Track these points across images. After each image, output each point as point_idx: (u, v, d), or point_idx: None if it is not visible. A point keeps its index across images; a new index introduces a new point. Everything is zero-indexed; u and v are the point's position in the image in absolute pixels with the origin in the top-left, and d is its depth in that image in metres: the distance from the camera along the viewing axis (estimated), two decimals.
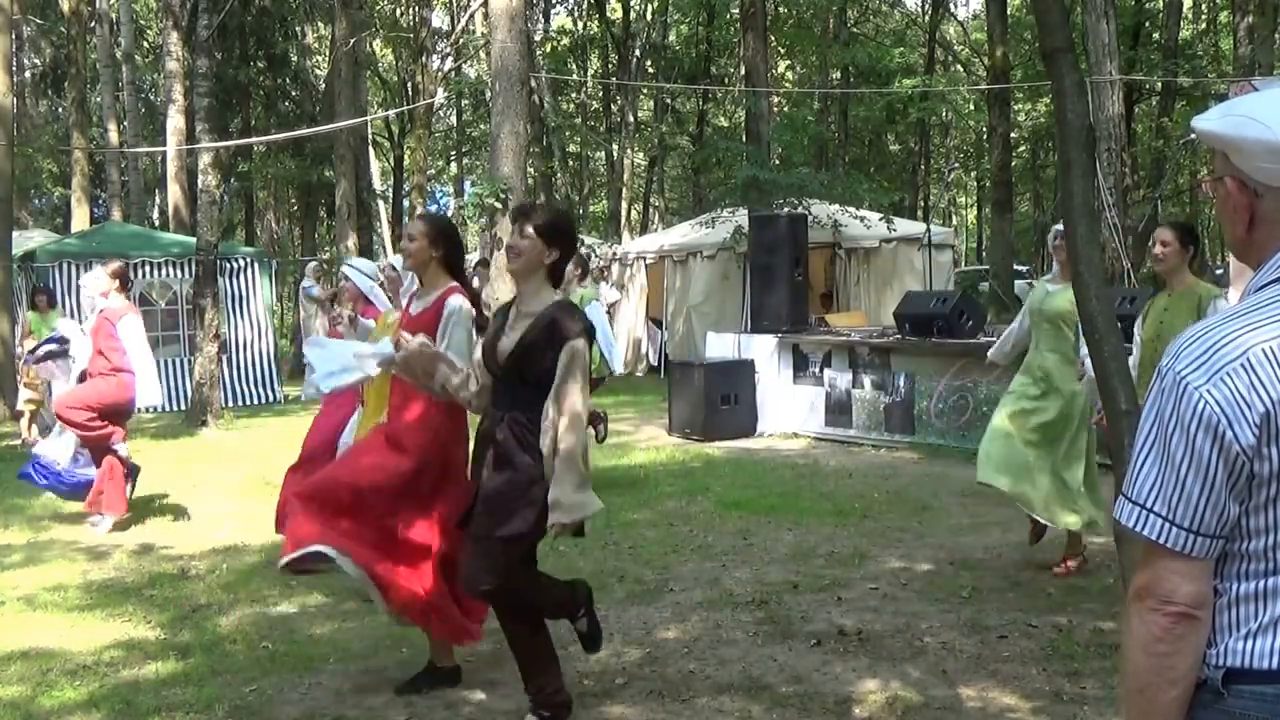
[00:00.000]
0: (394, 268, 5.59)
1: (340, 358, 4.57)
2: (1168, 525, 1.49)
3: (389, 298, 5.89)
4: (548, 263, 3.90)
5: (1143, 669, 1.51)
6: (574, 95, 31.59)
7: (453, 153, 34.85)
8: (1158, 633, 1.49)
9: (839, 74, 28.01)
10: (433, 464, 4.32)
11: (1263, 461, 1.46)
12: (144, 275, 15.40)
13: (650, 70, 28.99)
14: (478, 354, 4.11)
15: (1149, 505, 1.51)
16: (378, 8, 28.79)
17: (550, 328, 3.77)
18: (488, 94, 18.40)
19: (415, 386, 4.13)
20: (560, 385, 3.73)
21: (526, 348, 3.79)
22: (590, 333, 3.86)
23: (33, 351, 7.96)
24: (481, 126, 29.94)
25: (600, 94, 31.04)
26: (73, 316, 14.03)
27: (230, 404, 14.81)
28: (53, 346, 8.35)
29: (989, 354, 6.72)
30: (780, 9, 25.51)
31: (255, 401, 15.75)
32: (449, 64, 25.87)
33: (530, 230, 3.87)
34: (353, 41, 20.08)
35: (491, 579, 3.82)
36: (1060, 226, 6.04)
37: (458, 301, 4.37)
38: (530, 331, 3.80)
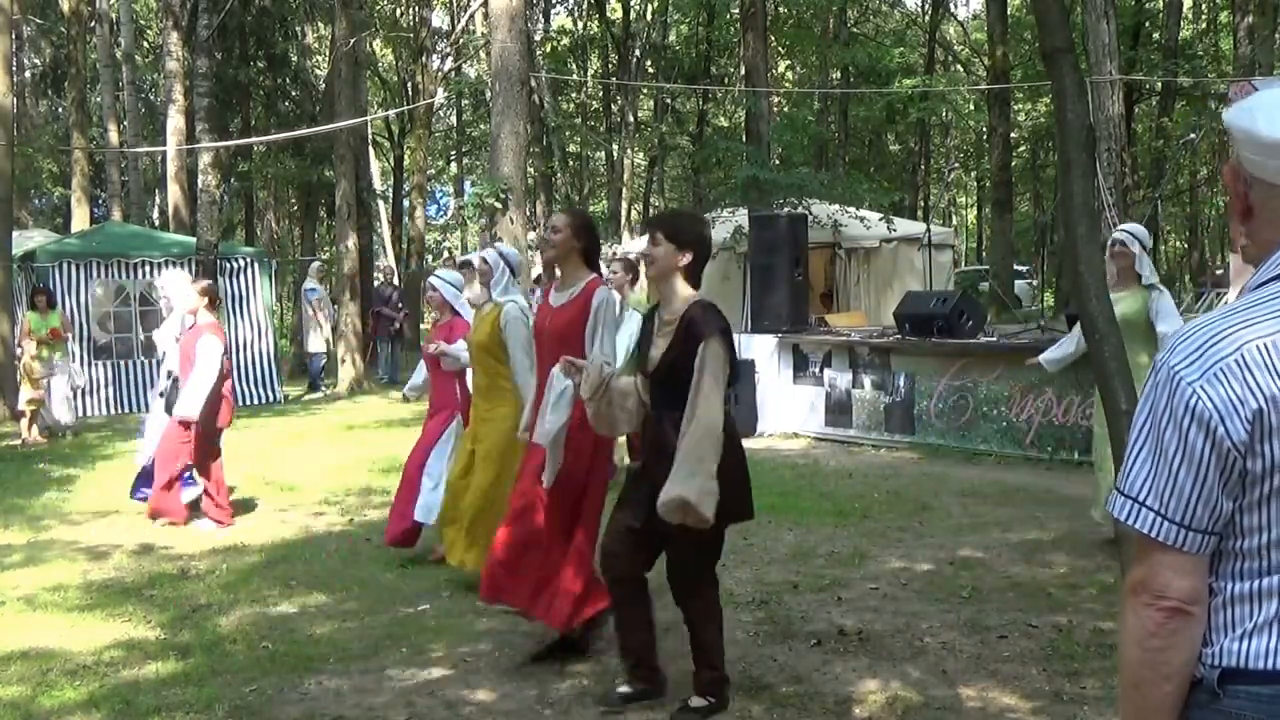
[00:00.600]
0: (486, 260, 5.81)
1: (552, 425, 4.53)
2: (1160, 519, 1.50)
3: (480, 289, 6.06)
4: (681, 266, 4.04)
5: (1137, 664, 1.51)
6: (574, 95, 31.60)
7: (453, 153, 34.86)
8: (1151, 628, 1.49)
9: (839, 74, 28.01)
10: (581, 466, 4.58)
11: (1255, 458, 1.46)
12: (144, 275, 15.40)
13: (650, 70, 28.99)
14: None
15: (1142, 499, 1.51)
16: (378, 8, 28.78)
17: (689, 329, 3.94)
18: (488, 94, 18.39)
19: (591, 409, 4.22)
20: (696, 382, 3.86)
21: (675, 355, 3.96)
22: (728, 330, 4.02)
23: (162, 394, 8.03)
24: (481, 126, 29.94)
25: (600, 94, 31.04)
26: (72, 318, 14.07)
27: None
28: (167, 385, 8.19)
29: (1041, 358, 6.75)
30: (780, 9, 25.50)
31: (255, 401, 15.75)
32: (449, 64, 25.88)
33: (661, 237, 4.04)
34: (353, 41, 20.06)
35: (707, 578, 4.12)
36: (1117, 234, 6.12)
37: (605, 292, 4.60)
38: (675, 337, 3.98)
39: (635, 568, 4.15)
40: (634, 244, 19.62)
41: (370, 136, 27.02)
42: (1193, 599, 1.49)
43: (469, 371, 6.04)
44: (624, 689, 4.25)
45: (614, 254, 8.87)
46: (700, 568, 4.09)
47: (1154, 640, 1.49)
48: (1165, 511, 1.49)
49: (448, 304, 6.48)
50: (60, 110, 30.99)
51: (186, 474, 7.70)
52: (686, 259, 4.03)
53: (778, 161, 18.10)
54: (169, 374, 7.86)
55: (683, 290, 4.06)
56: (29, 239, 18.32)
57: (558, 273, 4.81)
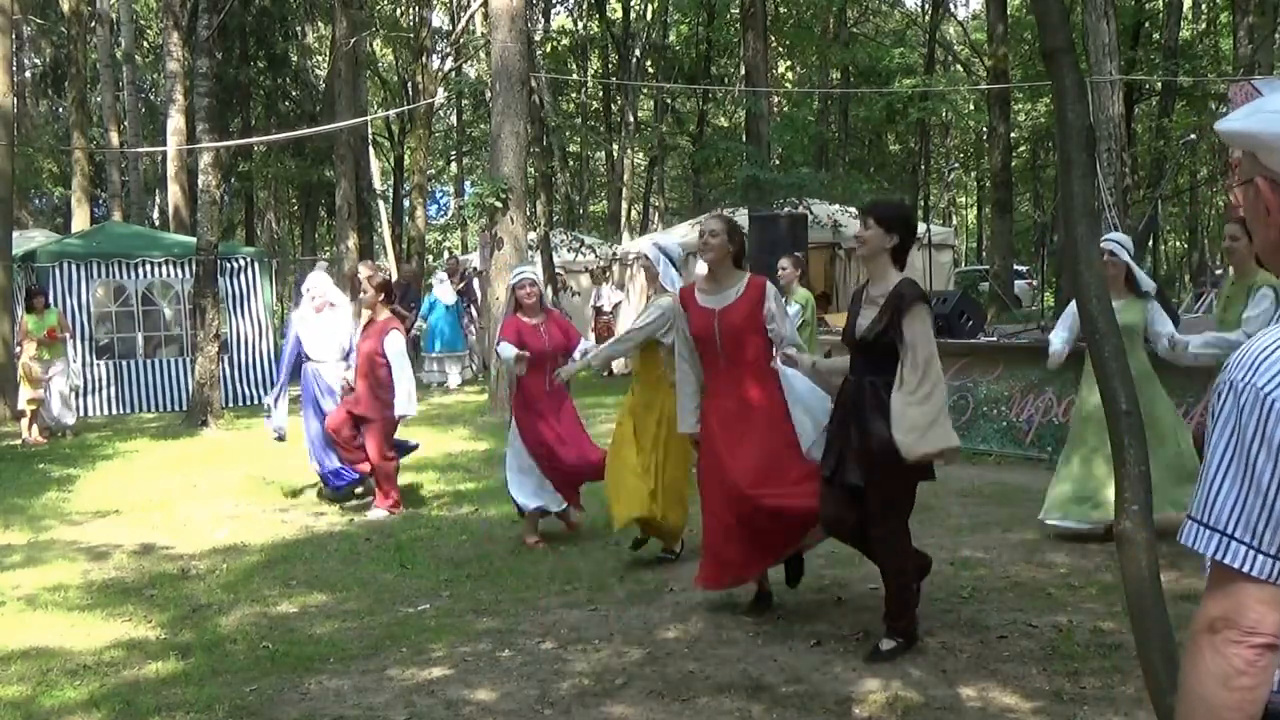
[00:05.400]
0: (648, 256, 6.24)
1: (821, 412, 4.98)
2: (1252, 552, 1.39)
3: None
4: (889, 247, 4.54)
5: (1222, 705, 1.41)
6: (574, 95, 31.58)
7: (453, 153, 34.84)
8: (1241, 666, 1.39)
9: (839, 74, 28.02)
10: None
11: None
12: (144, 275, 15.40)
13: (650, 70, 28.99)
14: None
15: (1229, 531, 1.41)
16: (378, 8, 28.80)
17: (898, 302, 4.44)
18: (488, 94, 18.40)
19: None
20: (912, 341, 4.39)
21: (882, 325, 4.45)
22: (929, 301, 4.60)
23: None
24: (481, 126, 29.94)
25: (600, 94, 31.03)
26: (72, 318, 14.07)
27: (230, 404, 14.82)
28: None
29: (1052, 351, 6.66)
30: (780, 9, 25.52)
31: (255, 401, 15.74)
32: (449, 64, 25.87)
33: (872, 221, 4.54)
34: (353, 41, 20.08)
35: (892, 519, 4.57)
36: (1105, 244, 6.10)
37: (773, 286, 5.15)
38: (883, 309, 4.48)
39: (848, 519, 4.64)
40: (633, 244, 19.62)
41: (370, 136, 27.04)
42: None
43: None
44: (888, 644, 4.61)
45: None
46: (901, 506, 4.59)
47: (1244, 680, 1.39)
48: (1258, 544, 1.39)
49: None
50: (60, 110, 31.03)
51: (346, 467, 8.03)
52: (894, 241, 4.52)
53: (778, 161, 18.11)
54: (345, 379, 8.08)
55: (891, 269, 4.56)
56: (29, 239, 18.33)
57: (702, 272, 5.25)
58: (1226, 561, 1.41)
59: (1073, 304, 6.39)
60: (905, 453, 4.31)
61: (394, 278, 19.89)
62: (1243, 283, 5.40)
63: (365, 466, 7.86)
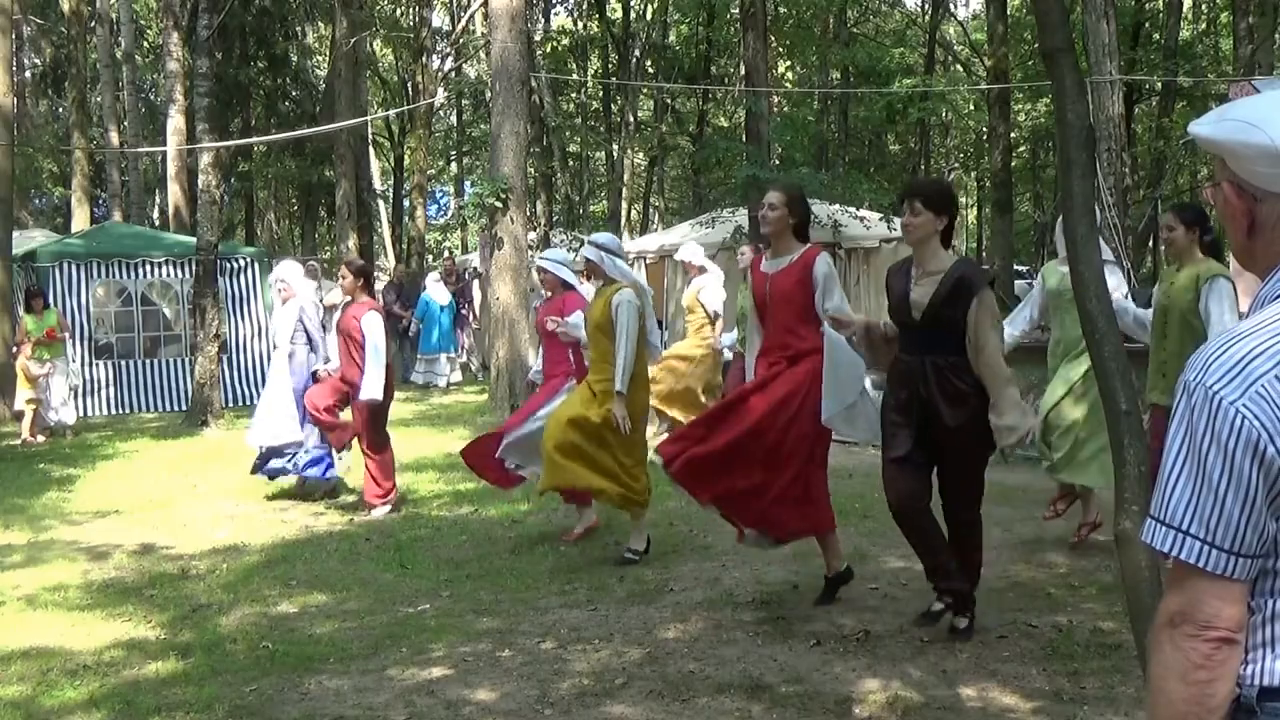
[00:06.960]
0: (589, 259, 6.43)
1: (850, 390, 5.11)
2: (1206, 548, 1.43)
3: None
4: (940, 230, 4.64)
5: (1181, 699, 1.43)
6: (574, 95, 31.58)
7: (453, 153, 34.86)
8: (1198, 660, 1.42)
9: (839, 74, 27.99)
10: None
11: None
12: (145, 275, 15.40)
13: (650, 70, 28.98)
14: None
15: (1184, 528, 1.44)
16: (378, 8, 28.80)
17: (959, 281, 4.52)
18: (488, 94, 18.40)
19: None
20: (978, 329, 4.48)
21: (943, 300, 4.50)
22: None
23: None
24: (481, 126, 29.94)
25: (600, 94, 31.02)
26: (72, 318, 14.06)
27: (230, 404, 14.81)
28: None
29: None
30: (780, 9, 25.49)
31: (255, 401, 15.71)
32: (449, 64, 25.89)
33: (919, 205, 4.60)
34: (353, 41, 20.10)
35: (976, 504, 4.77)
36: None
37: (827, 258, 5.25)
38: (942, 286, 4.52)
39: (923, 496, 4.69)
40: (633, 244, 19.64)
41: (370, 136, 27.05)
42: (1240, 627, 1.44)
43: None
44: (937, 606, 4.80)
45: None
46: (980, 486, 4.75)
47: (1201, 674, 1.42)
48: (1212, 539, 1.42)
49: (559, 282, 6.93)
50: (60, 110, 31.04)
51: (327, 455, 8.21)
52: (944, 223, 4.63)
53: (778, 161, 18.10)
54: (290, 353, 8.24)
55: (941, 249, 4.64)
56: (29, 239, 18.32)
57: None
58: (1183, 557, 1.45)
59: (1033, 292, 6.42)
60: (1001, 440, 4.51)
61: (387, 279, 19.94)
62: (1191, 270, 5.34)
63: (343, 436, 8.01)
